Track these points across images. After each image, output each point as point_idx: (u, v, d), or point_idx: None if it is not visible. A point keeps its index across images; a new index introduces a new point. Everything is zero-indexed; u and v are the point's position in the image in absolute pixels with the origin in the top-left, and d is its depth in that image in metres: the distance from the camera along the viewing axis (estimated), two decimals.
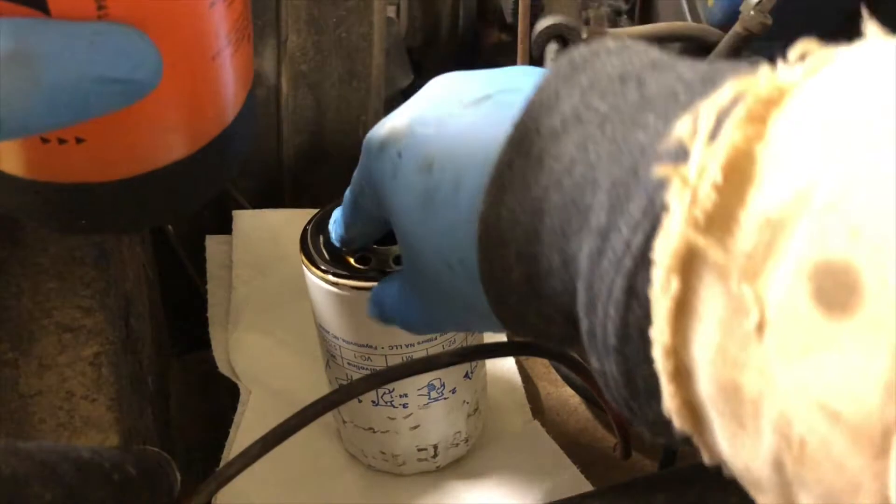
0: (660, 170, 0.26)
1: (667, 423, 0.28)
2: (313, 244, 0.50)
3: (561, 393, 0.69)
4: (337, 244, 0.50)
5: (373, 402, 0.55)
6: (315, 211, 0.52)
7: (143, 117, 0.32)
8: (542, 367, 0.70)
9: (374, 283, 0.47)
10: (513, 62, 0.70)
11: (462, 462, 0.61)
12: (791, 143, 0.24)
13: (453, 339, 0.53)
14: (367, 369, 0.52)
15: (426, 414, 0.56)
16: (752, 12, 0.67)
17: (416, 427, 0.56)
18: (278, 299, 0.68)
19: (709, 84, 0.29)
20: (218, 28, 0.33)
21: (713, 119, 0.26)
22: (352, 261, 0.49)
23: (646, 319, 0.27)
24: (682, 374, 0.27)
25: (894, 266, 0.21)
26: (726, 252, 0.24)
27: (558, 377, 0.68)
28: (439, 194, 0.38)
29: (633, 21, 0.80)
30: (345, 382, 0.54)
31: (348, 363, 0.53)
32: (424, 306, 0.44)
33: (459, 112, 0.39)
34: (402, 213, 0.40)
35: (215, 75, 0.34)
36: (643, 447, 0.62)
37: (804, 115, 0.25)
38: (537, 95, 0.34)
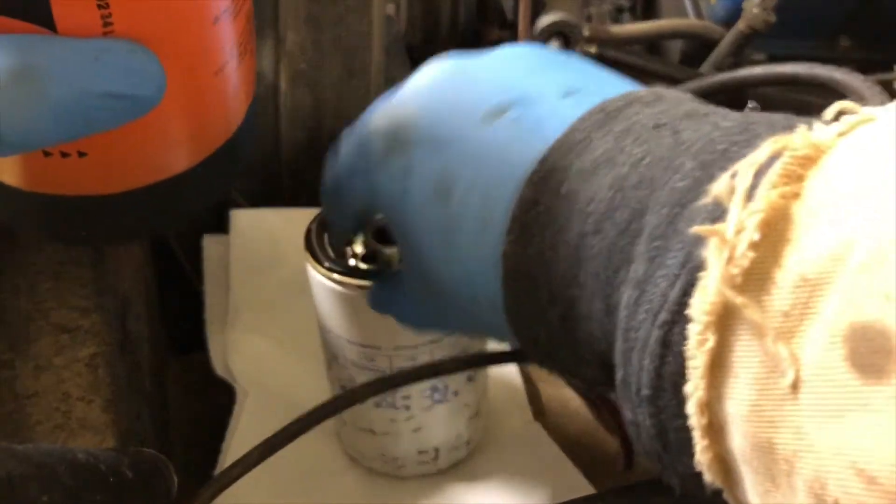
0: (699, 229, 0.26)
1: (697, 476, 0.28)
2: (317, 242, 0.50)
3: (562, 395, 0.68)
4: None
5: (375, 404, 0.54)
6: (314, 210, 0.51)
7: (146, 131, 0.32)
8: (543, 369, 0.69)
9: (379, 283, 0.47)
10: None
11: (463, 464, 0.61)
12: (826, 203, 0.24)
13: (458, 340, 0.53)
14: (370, 370, 0.52)
15: (428, 416, 0.55)
16: (754, 10, 0.67)
17: (417, 430, 0.56)
18: (277, 300, 0.68)
19: (745, 132, 0.29)
20: (221, 43, 0.33)
21: (751, 177, 0.26)
22: (357, 259, 0.49)
23: (679, 373, 0.27)
24: (716, 430, 0.27)
25: None
26: (763, 310, 0.25)
27: (560, 379, 0.68)
28: (464, 229, 0.37)
29: (635, 18, 0.79)
30: (347, 383, 0.54)
31: (352, 363, 0.52)
32: (431, 314, 0.43)
33: (473, 129, 0.37)
34: (416, 241, 0.39)
35: (218, 89, 0.34)
36: None
37: (840, 175, 0.25)
38: (567, 137, 0.34)
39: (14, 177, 0.34)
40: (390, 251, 0.48)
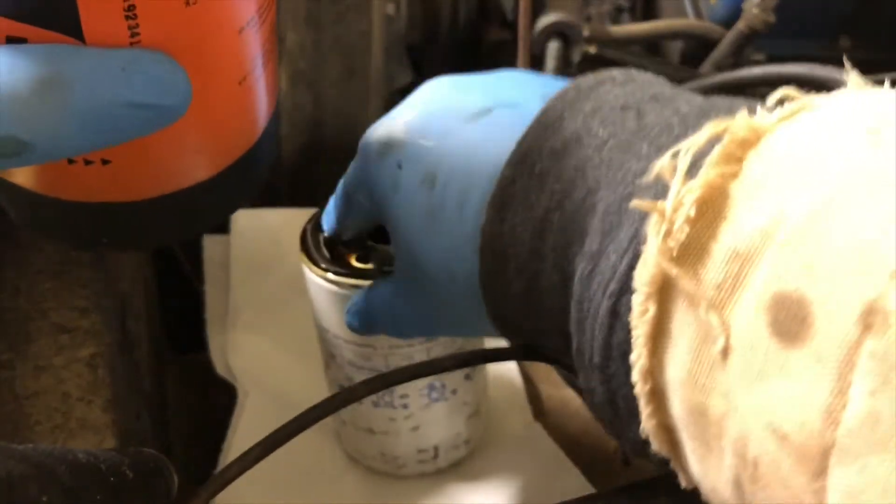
0: (639, 203, 0.28)
1: (647, 444, 0.30)
2: (313, 243, 0.50)
3: (562, 395, 0.68)
4: (328, 234, 0.49)
5: (373, 403, 0.54)
6: (314, 210, 0.52)
7: (170, 140, 0.33)
8: (543, 369, 0.69)
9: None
10: (513, 60, 0.70)
11: (463, 464, 0.61)
12: (761, 182, 0.26)
13: (454, 339, 0.53)
14: (367, 369, 0.52)
15: (427, 415, 0.55)
16: (754, 10, 0.67)
17: (416, 428, 0.56)
18: (277, 300, 0.68)
19: (702, 118, 0.30)
20: (246, 53, 0.33)
21: (690, 157, 0.28)
22: (352, 259, 0.49)
23: (627, 342, 0.29)
24: (658, 397, 0.28)
25: (840, 301, 0.23)
26: (698, 282, 0.26)
27: (559, 379, 0.68)
28: (444, 211, 0.39)
29: (635, 18, 0.79)
30: (345, 382, 0.54)
31: (348, 363, 0.52)
32: (418, 312, 0.44)
33: (459, 126, 0.40)
34: (404, 227, 0.41)
35: (242, 98, 0.34)
36: None
37: (776, 157, 0.26)
38: (542, 117, 0.36)
39: (36, 182, 0.34)
40: (385, 249, 0.48)
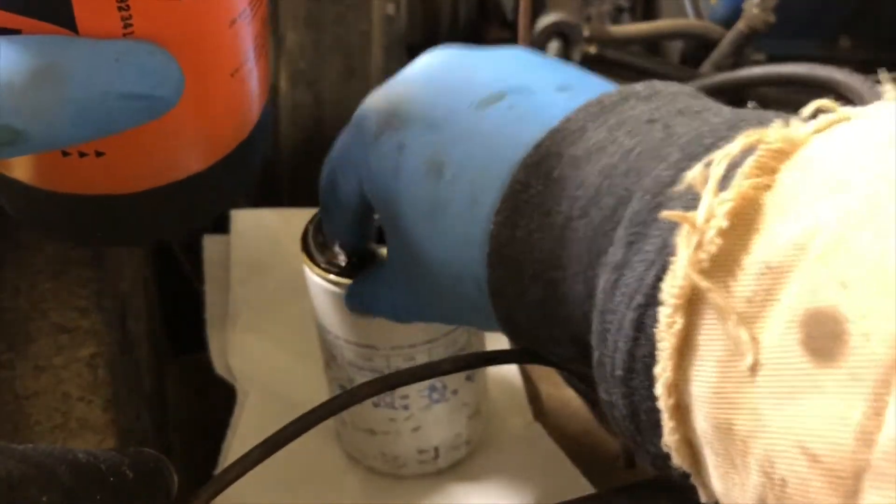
0: (670, 214, 0.27)
1: (667, 458, 0.29)
2: (314, 243, 0.50)
3: (563, 395, 0.68)
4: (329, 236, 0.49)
5: (373, 403, 0.54)
6: (314, 210, 0.52)
7: (163, 132, 0.33)
8: (543, 369, 0.69)
9: None
10: None
11: (463, 464, 0.61)
12: (795, 195, 0.25)
13: (456, 339, 0.53)
14: (368, 370, 0.52)
15: (427, 416, 0.55)
16: (754, 10, 0.67)
17: (416, 429, 0.56)
18: (277, 300, 0.68)
19: (733, 129, 0.30)
20: (238, 45, 0.33)
21: (724, 167, 0.27)
22: (353, 259, 0.49)
23: (651, 355, 0.28)
24: (682, 411, 0.28)
25: (876, 318, 0.22)
26: (728, 295, 0.25)
27: (560, 379, 0.68)
28: (452, 206, 0.38)
29: (635, 18, 0.79)
30: (345, 383, 0.54)
31: (349, 363, 0.52)
32: (415, 298, 0.43)
33: (468, 112, 0.38)
34: (406, 218, 0.40)
35: (234, 90, 0.35)
36: None
37: (810, 169, 0.26)
38: (562, 125, 0.35)
39: (30, 174, 0.34)
40: (385, 250, 0.48)
